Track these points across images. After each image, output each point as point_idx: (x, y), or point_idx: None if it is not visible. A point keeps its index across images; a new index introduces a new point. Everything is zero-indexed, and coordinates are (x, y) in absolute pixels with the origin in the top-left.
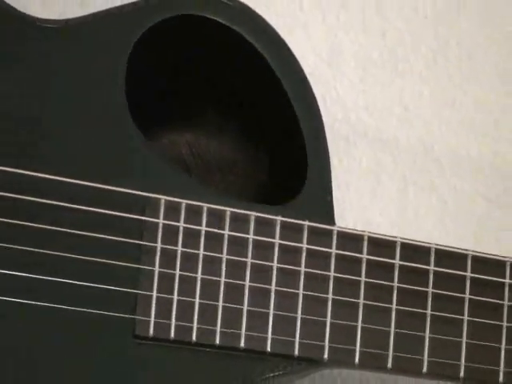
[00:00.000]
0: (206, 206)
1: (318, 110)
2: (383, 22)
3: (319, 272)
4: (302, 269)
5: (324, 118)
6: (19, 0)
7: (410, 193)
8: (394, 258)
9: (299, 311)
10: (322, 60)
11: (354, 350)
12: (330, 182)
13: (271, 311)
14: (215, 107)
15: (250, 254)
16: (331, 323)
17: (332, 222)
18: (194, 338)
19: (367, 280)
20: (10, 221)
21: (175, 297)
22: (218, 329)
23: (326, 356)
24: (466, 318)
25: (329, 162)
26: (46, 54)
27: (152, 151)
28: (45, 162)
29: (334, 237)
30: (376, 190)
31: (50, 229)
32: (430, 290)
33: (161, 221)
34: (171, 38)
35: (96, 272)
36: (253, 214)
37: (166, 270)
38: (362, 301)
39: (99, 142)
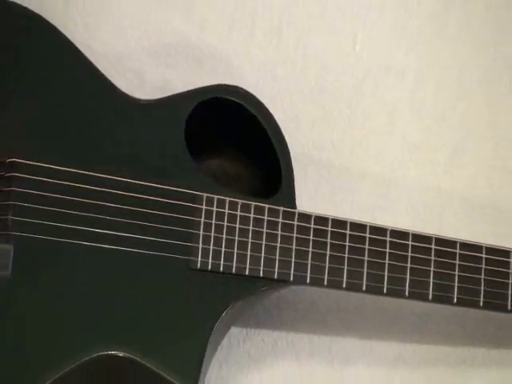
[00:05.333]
0: (227, 198)
1: (287, 149)
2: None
3: (287, 234)
4: (279, 232)
5: (291, 153)
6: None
7: (337, 191)
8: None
9: (277, 254)
10: (291, 122)
11: (306, 276)
12: (294, 186)
13: (262, 255)
14: (233, 145)
15: (251, 225)
16: (294, 262)
17: (294, 207)
18: (221, 269)
19: (314, 238)
20: (120, 206)
21: (211, 247)
22: (234, 264)
23: (291, 279)
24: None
25: (293, 176)
26: (137, 115)
27: (198, 168)
28: (144, 175)
29: (296, 216)
30: (317, 190)
31: (142, 211)
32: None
33: (203, 207)
34: (208, 108)
35: (170, 234)
36: (252, 203)
37: (206, 233)
38: (310, 249)
39: (171, 167)
